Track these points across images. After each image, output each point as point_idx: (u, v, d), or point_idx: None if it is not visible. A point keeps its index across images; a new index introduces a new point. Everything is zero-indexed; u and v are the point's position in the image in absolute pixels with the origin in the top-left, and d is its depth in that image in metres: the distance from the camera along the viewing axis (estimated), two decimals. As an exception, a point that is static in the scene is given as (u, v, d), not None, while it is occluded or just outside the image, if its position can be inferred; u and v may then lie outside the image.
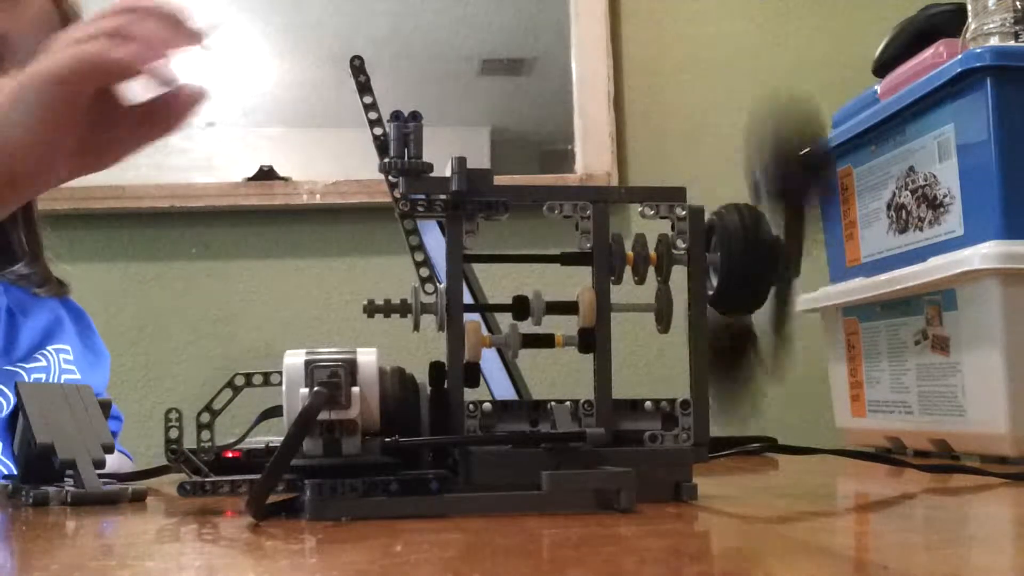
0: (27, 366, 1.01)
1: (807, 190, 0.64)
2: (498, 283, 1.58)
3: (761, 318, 0.66)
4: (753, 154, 0.65)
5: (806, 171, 0.64)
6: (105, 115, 0.75)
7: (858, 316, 1.22)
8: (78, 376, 1.05)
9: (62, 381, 1.01)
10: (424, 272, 0.61)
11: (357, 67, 0.65)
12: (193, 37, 0.71)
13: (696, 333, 0.62)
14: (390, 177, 0.61)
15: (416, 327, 0.60)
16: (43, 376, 1.01)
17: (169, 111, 0.75)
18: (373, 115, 0.62)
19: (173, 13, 0.72)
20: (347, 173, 1.83)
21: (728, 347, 0.65)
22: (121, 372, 1.77)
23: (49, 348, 1.05)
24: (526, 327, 0.62)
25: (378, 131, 0.61)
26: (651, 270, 0.63)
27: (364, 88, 0.64)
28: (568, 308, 0.62)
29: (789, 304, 0.65)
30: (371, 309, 0.60)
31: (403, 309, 0.60)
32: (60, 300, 1.10)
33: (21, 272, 1.07)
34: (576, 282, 0.63)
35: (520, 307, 0.62)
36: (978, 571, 0.39)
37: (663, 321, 0.63)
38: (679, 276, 0.63)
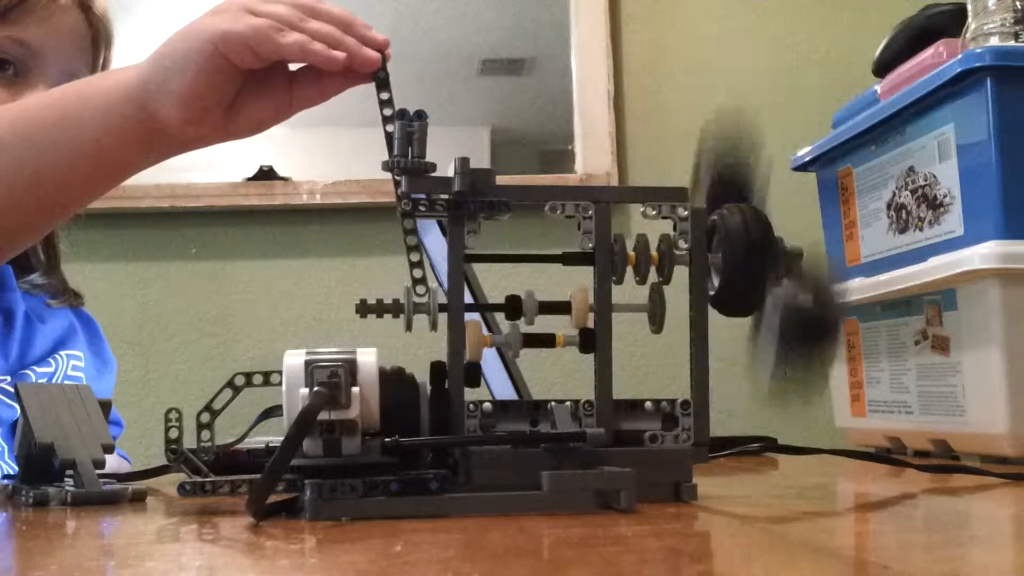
0: (38, 369, 1.01)
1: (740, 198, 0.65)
2: (499, 283, 1.58)
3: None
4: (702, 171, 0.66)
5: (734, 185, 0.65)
6: (252, 86, 0.74)
7: (858, 316, 1.22)
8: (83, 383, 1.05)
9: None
10: (418, 273, 0.61)
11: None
12: (366, 45, 0.70)
13: (697, 333, 0.62)
14: (395, 175, 0.61)
15: (408, 327, 0.60)
16: (45, 380, 1.01)
17: (320, 81, 0.74)
18: (388, 111, 0.62)
19: (347, 19, 0.71)
20: (347, 173, 1.83)
21: (816, 320, 0.63)
22: (121, 372, 1.76)
23: (61, 353, 1.05)
24: (528, 327, 0.62)
25: (391, 128, 0.62)
26: (652, 270, 0.63)
27: (383, 84, 0.64)
28: (562, 308, 0.62)
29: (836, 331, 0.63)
30: (363, 309, 0.60)
31: (395, 309, 0.60)
32: (72, 309, 1.10)
33: (36, 282, 1.07)
34: (578, 283, 0.64)
35: (513, 307, 0.62)
36: (978, 571, 0.39)
37: (656, 322, 0.63)
38: (681, 276, 0.63)
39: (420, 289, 0.61)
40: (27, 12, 0.95)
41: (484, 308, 0.73)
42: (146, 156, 0.78)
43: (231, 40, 0.70)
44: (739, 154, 0.66)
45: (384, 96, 0.65)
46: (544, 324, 0.62)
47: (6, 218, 0.79)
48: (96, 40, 1.00)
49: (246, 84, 0.74)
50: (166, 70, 0.72)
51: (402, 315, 0.60)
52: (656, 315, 0.63)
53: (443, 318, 0.61)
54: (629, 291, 0.63)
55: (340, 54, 0.69)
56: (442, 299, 0.61)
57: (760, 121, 0.66)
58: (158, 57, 0.73)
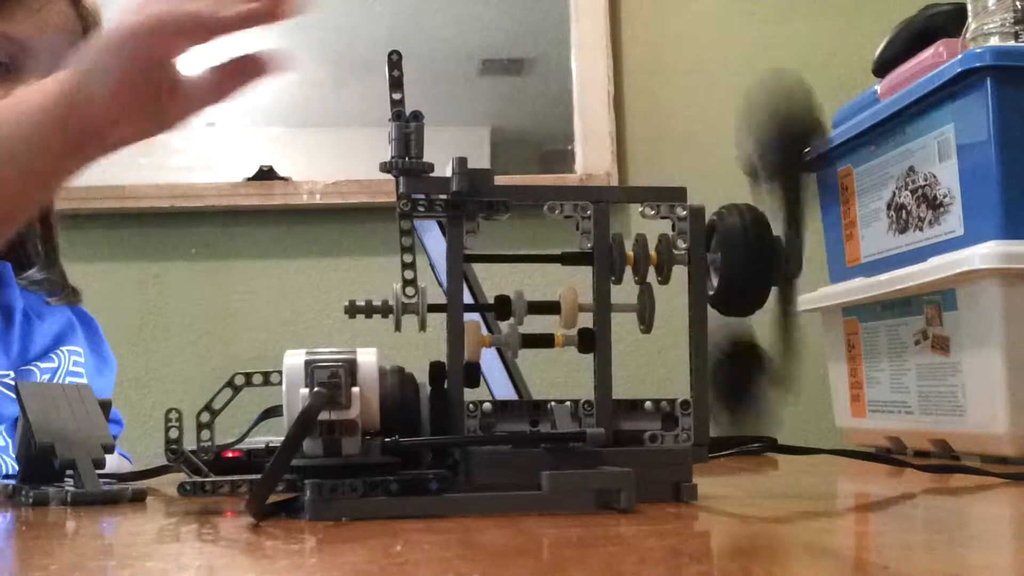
0: (41, 365, 1.01)
1: (799, 167, 0.65)
2: (498, 283, 1.58)
3: (763, 326, 0.66)
4: (751, 136, 0.66)
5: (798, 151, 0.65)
6: (167, 80, 0.74)
7: (858, 316, 1.22)
8: (84, 380, 1.05)
9: (67, 382, 1.01)
10: (409, 274, 0.61)
11: (395, 61, 0.64)
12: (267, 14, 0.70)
13: (696, 333, 0.62)
14: (394, 176, 0.61)
15: (397, 327, 0.60)
16: (49, 376, 1.01)
17: (232, 76, 0.74)
18: (398, 111, 0.62)
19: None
20: (347, 173, 1.83)
21: (730, 356, 0.65)
22: (121, 372, 1.76)
23: (62, 348, 1.04)
24: (527, 327, 0.62)
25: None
26: (652, 270, 0.63)
27: (396, 84, 0.64)
28: (552, 308, 0.62)
29: (792, 309, 0.65)
30: (352, 310, 0.60)
31: (384, 310, 0.60)
32: (70, 307, 1.10)
33: (35, 278, 1.06)
34: (578, 282, 0.64)
35: (502, 307, 0.62)
36: (978, 571, 0.39)
37: (645, 321, 0.63)
38: (680, 276, 0.63)
39: (409, 291, 0.61)
40: (15, 6, 0.94)
41: (473, 308, 0.73)
42: (77, 161, 0.77)
43: (134, 37, 0.70)
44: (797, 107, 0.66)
45: (396, 96, 0.65)
46: (544, 324, 0.62)
47: None
48: (87, 33, 1.00)
49: (170, 78, 0.74)
50: (91, 73, 0.72)
51: (391, 315, 0.60)
52: (645, 315, 0.63)
53: (442, 318, 0.61)
54: (629, 291, 0.63)
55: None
56: (440, 299, 0.61)
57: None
58: (82, 61, 0.73)
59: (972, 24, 1.07)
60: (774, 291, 0.65)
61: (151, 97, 0.73)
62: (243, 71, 0.74)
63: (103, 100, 0.72)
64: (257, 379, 0.59)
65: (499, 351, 0.87)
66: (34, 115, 0.75)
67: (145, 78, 0.72)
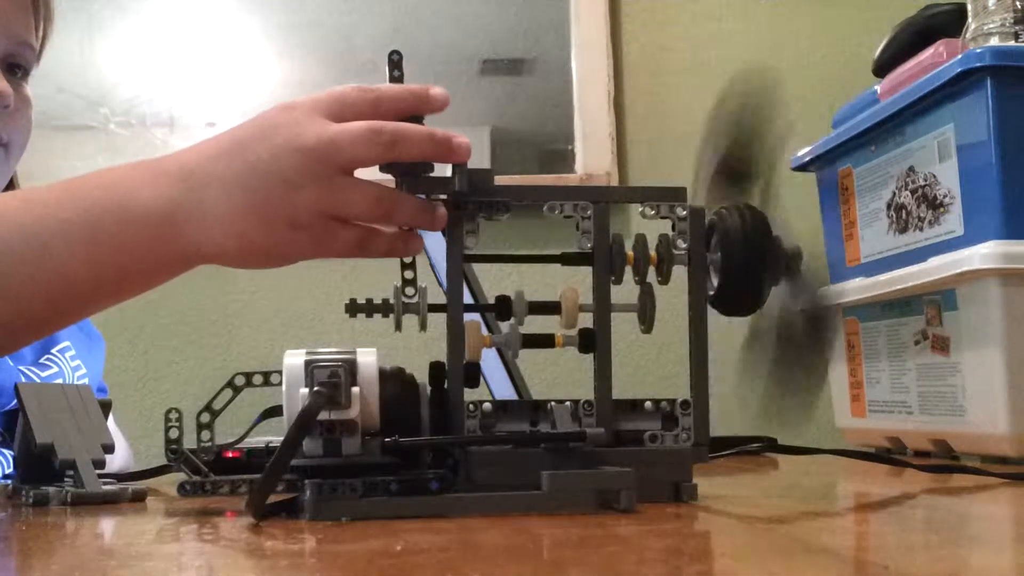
0: (42, 374, 1.00)
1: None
2: (498, 283, 1.58)
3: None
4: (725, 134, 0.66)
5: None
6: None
7: (858, 316, 1.22)
8: (84, 371, 1.04)
9: (76, 382, 1.00)
10: (409, 274, 0.61)
11: (395, 62, 0.64)
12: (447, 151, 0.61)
13: (696, 333, 0.62)
14: (394, 176, 0.61)
15: (398, 327, 0.60)
16: (61, 381, 1.00)
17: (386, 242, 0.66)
18: None
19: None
20: (347, 173, 1.83)
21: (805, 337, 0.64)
22: (121, 372, 1.77)
23: (53, 351, 1.03)
24: (527, 327, 0.62)
25: None
26: (652, 270, 0.63)
27: (397, 84, 0.64)
28: (552, 308, 0.62)
29: (800, 302, 0.65)
30: (353, 309, 0.60)
31: (385, 309, 0.60)
32: None
33: None
34: (578, 282, 0.63)
35: (503, 307, 0.62)
36: (978, 571, 0.39)
37: (646, 321, 0.63)
38: (680, 276, 0.63)
39: (409, 291, 0.61)
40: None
41: (474, 308, 0.73)
42: (174, 275, 0.70)
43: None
44: (753, 123, 0.67)
45: None
46: (544, 324, 0.62)
47: (10, 319, 0.71)
48: (36, 8, 0.97)
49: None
50: (206, 204, 0.64)
51: (391, 315, 0.60)
52: (646, 315, 0.63)
53: (442, 318, 0.61)
54: (629, 291, 0.63)
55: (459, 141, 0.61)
56: (440, 299, 0.61)
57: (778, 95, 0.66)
58: (200, 177, 0.65)
59: (972, 24, 1.07)
60: (781, 289, 0.65)
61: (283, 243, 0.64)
62: (400, 239, 0.65)
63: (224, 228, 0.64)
64: (257, 379, 0.59)
65: (499, 351, 0.87)
66: (134, 225, 0.66)
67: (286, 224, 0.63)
